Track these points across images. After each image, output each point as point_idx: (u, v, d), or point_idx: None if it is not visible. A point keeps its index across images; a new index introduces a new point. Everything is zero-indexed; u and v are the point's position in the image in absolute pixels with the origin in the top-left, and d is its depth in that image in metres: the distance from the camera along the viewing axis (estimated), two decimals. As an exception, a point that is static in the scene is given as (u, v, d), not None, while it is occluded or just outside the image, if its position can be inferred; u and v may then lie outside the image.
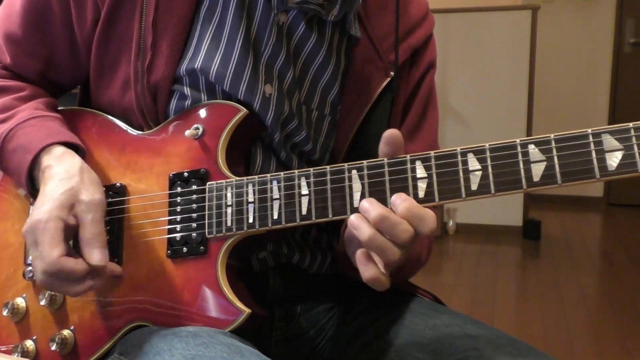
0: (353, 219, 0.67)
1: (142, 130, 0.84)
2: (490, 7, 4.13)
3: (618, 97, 5.07)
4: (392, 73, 0.88)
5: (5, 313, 0.83)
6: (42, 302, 0.81)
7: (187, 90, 0.82)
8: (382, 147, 0.69)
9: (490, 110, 4.09)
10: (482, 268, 3.54)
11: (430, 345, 0.81)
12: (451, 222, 4.20)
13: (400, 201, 0.66)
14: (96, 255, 0.73)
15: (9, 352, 0.83)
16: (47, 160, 0.79)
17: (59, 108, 0.92)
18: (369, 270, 0.67)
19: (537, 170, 0.64)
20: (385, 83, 0.88)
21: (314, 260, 0.91)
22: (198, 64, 0.81)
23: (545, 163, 0.63)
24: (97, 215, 0.74)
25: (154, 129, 0.83)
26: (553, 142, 0.63)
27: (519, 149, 0.64)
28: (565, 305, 2.97)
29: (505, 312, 2.94)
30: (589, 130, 0.62)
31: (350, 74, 0.88)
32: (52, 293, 0.81)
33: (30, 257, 0.74)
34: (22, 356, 0.81)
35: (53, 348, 0.79)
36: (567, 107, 5.14)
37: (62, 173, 0.76)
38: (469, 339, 0.80)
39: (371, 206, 0.66)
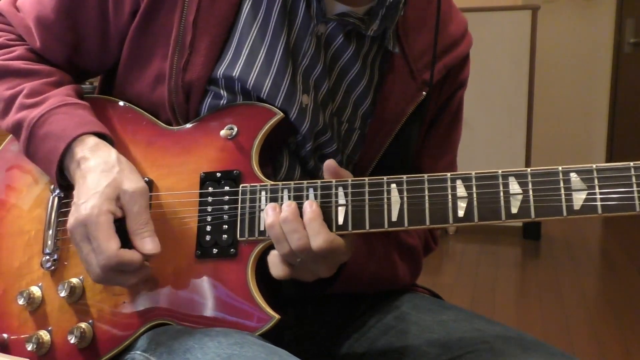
0: (269, 207, 0.72)
1: (169, 125, 0.83)
2: (490, 7, 4.13)
3: (618, 97, 5.07)
4: (424, 93, 0.87)
5: (21, 302, 0.82)
6: (62, 294, 0.79)
7: (222, 92, 0.81)
8: (325, 175, 0.73)
9: (490, 110, 4.09)
10: (482, 268, 3.54)
11: (440, 339, 0.82)
12: (451, 222, 4.18)
13: (309, 210, 0.71)
14: (149, 244, 0.74)
15: (22, 342, 0.82)
16: (81, 151, 0.78)
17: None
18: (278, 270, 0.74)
19: (578, 199, 0.64)
20: (417, 102, 0.87)
21: None
22: (236, 72, 0.80)
23: (586, 192, 0.64)
24: (143, 204, 0.75)
25: (185, 125, 0.82)
26: (595, 172, 0.64)
27: (560, 176, 0.65)
28: (565, 305, 2.97)
29: (505, 312, 2.94)
30: (631, 164, 0.63)
31: (383, 90, 0.87)
32: (72, 284, 0.80)
33: (83, 253, 0.73)
34: (36, 347, 0.80)
35: (72, 341, 0.78)
36: (567, 107, 5.14)
37: (102, 165, 0.76)
38: (477, 333, 0.81)
39: (288, 207, 0.71)
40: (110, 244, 0.71)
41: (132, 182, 0.75)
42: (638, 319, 2.81)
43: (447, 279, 3.37)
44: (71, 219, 0.74)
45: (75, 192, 0.77)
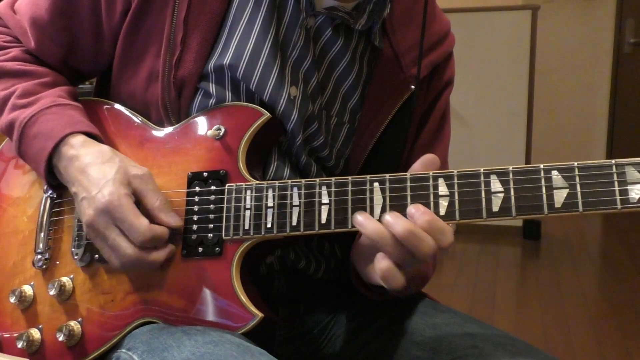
0: (374, 233, 0.67)
1: (160, 125, 0.84)
2: (490, 7, 4.12)
3: (618, 97, 5.07)
4: (412, 87, 0.88)
5: (12, 300, 0.83)
6: (52, 292, 0.81)
7: (212, 89, 0.82)
8: (417, 165, 0.70)
9: (490, 110, 4.09)
10: (482, 268, 3.54)
11: (430, 343, 0.82)
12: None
13: (420, 214, 0.66)
14: (174, 217, 0.76)
15: (13, 340, 0.82)
16: (70, 149, 0.79)
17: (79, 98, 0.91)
18: (382, 262, 0.66)
19: (559, 197, 0.64)
20: (405, 97, 0.88)
21: (319, 268, 0.91)
22: (227, 60, 0.81)
23: (567, 190, 0.64)
24: (155, 185, 0.77)
25: (174, 126, 0.83)
26: (576, 170, 0.64)
27: (542, 174, 0.65)
28: (565, 305, 2.97)
29: (505, 312, 2.94)
30: (613, 161, 0.63)
31: (372, 84, 0.88)
32: (62, 283, 0.81)
33: (110, 240, 0.74)
34: (26, 344, 0.81)
35: (60, 339, 0.79)
36: (567, 107, 5.14)
37: (99, 157, 0.77)
38: (468, 338, 0.81)
39: (396, 220, 0.66)
40: (141, 220, 0.73)
41: (137, 168, 0.77)
42: (638, 319, 2.81)
43: (447, 279, 3.37)
44: (89, 211, 0.75)
45: (77, 189, 0.77)
